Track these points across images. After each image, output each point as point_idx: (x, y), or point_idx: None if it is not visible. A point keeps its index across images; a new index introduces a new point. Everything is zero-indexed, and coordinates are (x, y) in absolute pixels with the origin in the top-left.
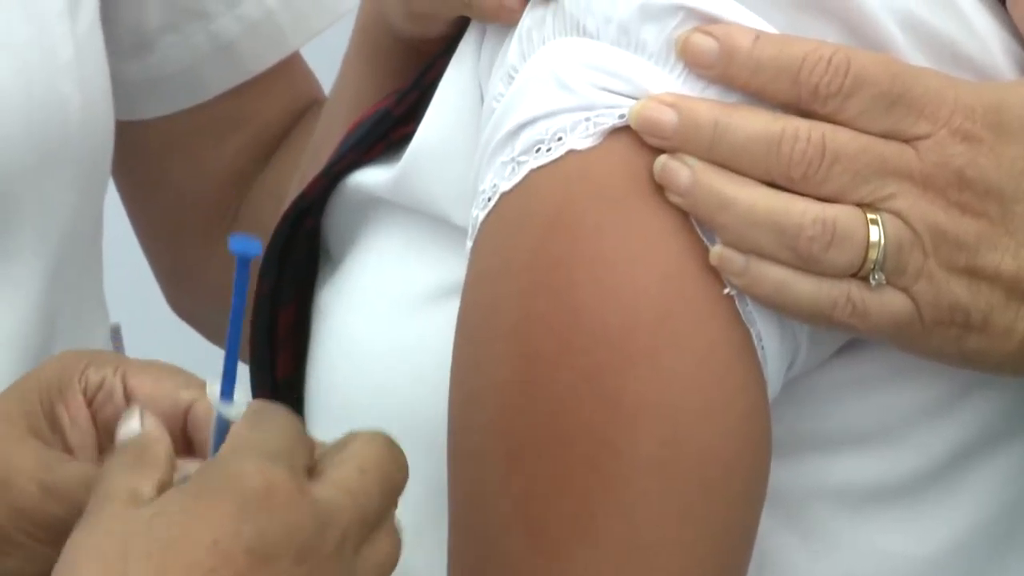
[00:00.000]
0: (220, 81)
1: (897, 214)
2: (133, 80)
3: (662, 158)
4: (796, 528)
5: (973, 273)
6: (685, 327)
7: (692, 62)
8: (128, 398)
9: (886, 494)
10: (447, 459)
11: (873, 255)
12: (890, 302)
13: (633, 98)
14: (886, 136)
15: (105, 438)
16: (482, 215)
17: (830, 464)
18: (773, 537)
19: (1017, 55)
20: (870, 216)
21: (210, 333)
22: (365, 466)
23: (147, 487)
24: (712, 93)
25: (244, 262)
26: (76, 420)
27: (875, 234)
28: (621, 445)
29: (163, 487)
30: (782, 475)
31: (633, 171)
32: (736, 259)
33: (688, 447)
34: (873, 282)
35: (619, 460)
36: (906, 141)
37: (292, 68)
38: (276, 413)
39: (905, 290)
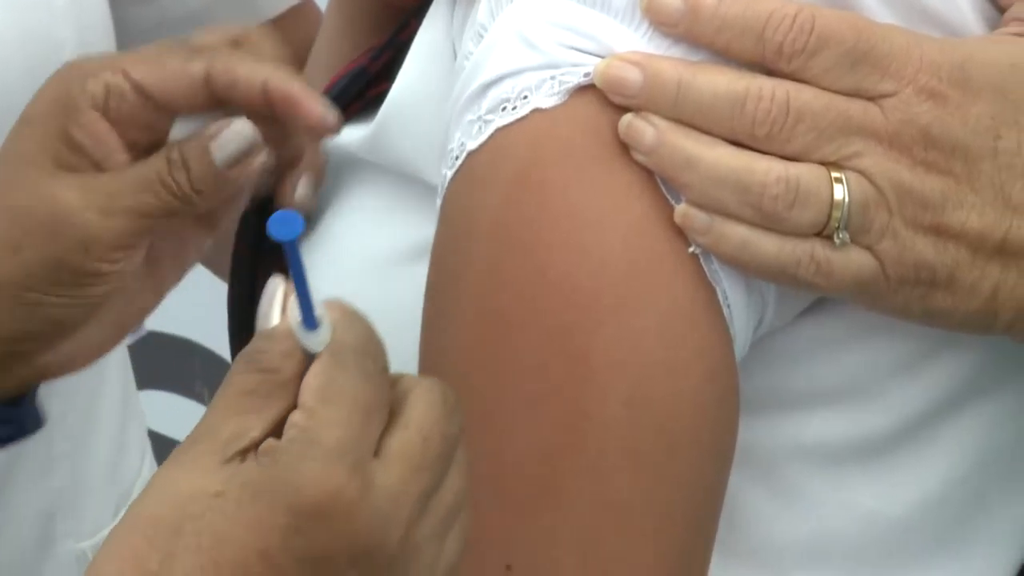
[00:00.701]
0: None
1: (862, 172)
2: (141, 25)
3: (627, 117)
4: (768, 484)
5: (939, 231)
6: (650, 285)
7: (657, 20)
8: (139, 91)
9: (857, 451)
10: None
11: (837, 214)
12: (854, 260)
13: (599, 56)
14: (851, 94)
15: (131, 133)
16: (450, 173)
17: (802, 421)
18: (745, 493)
19: (985, 11)
20: (834, 175)
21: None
22: (427, 432)
23: (243, 440)
24: (678, 52)
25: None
26: (96, 135)
27: (839, 192)
28: (586, 404)
29: (267, 433)
30: (754, 432)
31: (598, 130)
32: (700, 217)
33: (653, 405)
34: (838, 241)
35: (584, 419)
36: (871, 99)
37: (305, 13)
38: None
39: (869, 248)
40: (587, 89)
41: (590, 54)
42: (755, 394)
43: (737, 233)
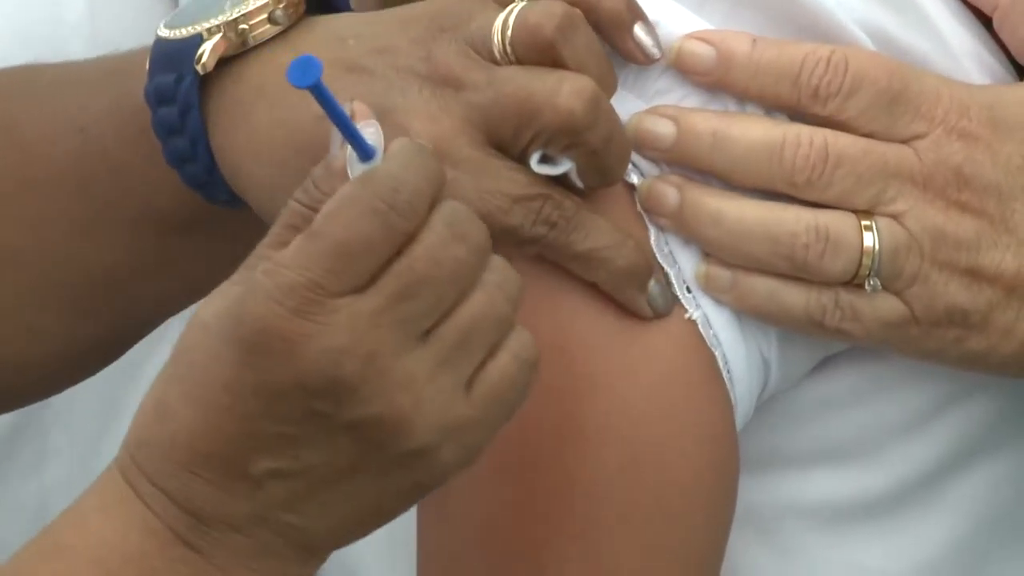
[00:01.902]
0: None
1: (897, 217)
2: None
3: (646, 182)
4: (770, 544)
5: (974, 273)
6: (644, 351)
7: (688, 70)
8: None
9: (861, 511)
10: None
11: (868, 261)
12: (883, 306)
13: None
14: (884, 137)
15: None
16: None
17: (804, 481)
18: (747, 554)
19: (995, 70)
20: (864, 222)
21: None
22: (416, 258)
23: None
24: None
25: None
26: None
27: (868, 240)
28: (580, 472)
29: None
30: (756, 492)
31: (591, 195)
32: (722, 276)
33: (647, 471)
34: (868, 288)
35: (578, 487)
36: (903, 141)
37: None
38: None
39: (898, 294)
40: None
41: None
42: (757, 453)
43: (763, 286)
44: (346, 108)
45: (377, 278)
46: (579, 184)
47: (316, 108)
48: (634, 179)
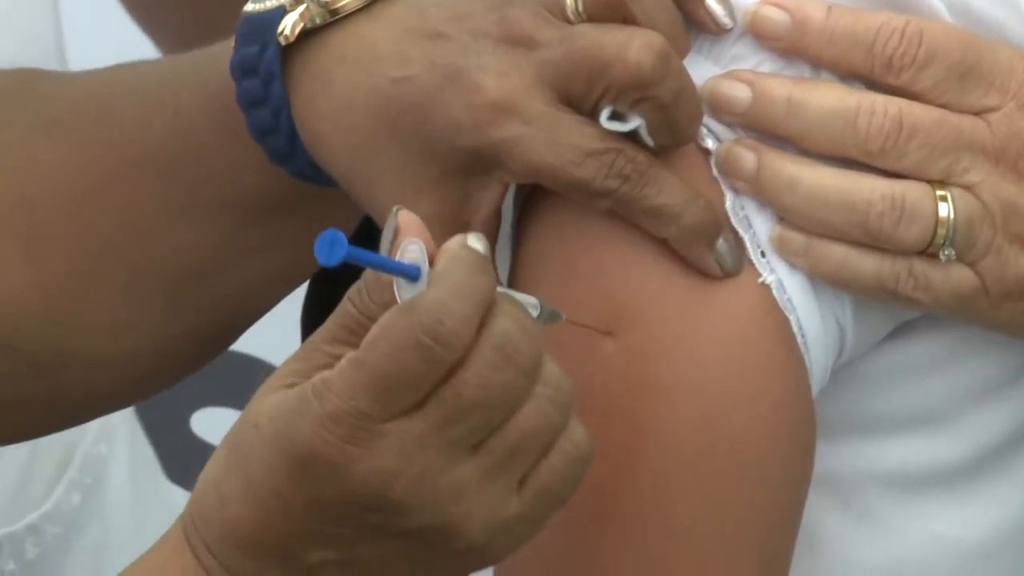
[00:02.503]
0: None
1: (970, 188)
2: None
3: (724, 145)
4: (848, 511)
5: None
6: (718, 313)
7: (762, 34)
8: None
9: (938, 478)
10: None
11: (942, 231)
12: (955, 277)
13: None
14: (957, 108)
15: None
16: None
17: (882, 448)
18: (825, 520)
19: None
20: (939, 192)
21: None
22: (462, 384)
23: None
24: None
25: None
26: None
27: (943, 210)
28: (653, 430)
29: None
30: (835, 459)
31: (666, 159)
32: (796, 239)
33: (721, 433)
34: (943, 257)
35: (651, 445)
36: (976, 114)
37: None
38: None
39: (971, 265)
40: None
41: None
42: (834, 419)
43: (836, 252)
44: (392, 216)
45: (426, 402)
46: (649, 142)
47: (394, 71)
48: (709, 143)
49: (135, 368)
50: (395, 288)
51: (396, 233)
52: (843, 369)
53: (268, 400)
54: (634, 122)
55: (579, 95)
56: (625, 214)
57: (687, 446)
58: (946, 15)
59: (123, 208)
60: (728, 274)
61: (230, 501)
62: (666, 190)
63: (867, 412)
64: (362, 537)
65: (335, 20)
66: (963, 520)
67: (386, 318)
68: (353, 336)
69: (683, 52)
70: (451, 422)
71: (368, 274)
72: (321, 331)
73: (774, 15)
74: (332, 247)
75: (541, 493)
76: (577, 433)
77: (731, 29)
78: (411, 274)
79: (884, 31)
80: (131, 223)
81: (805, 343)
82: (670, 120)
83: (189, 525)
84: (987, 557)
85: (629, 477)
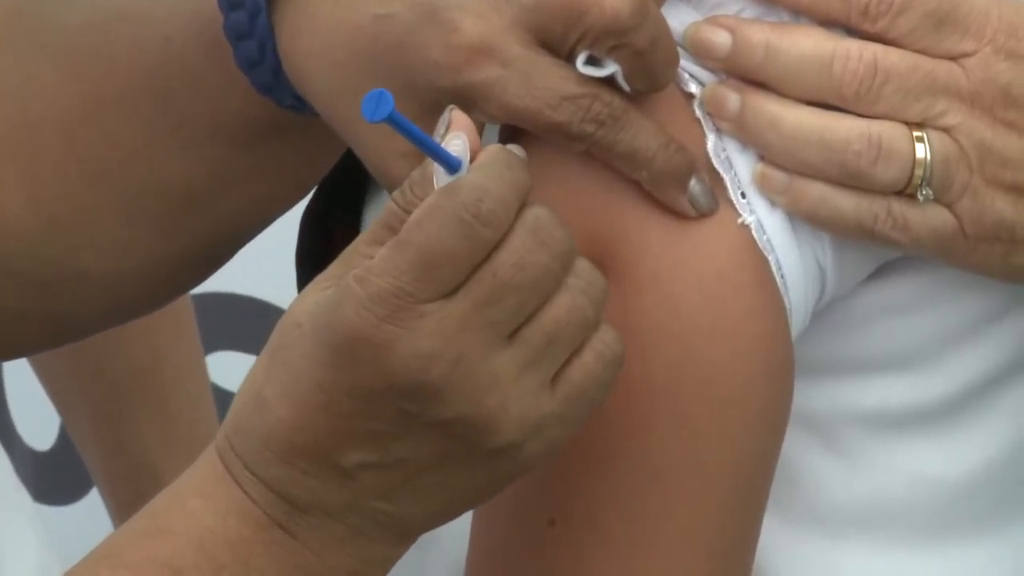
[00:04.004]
0: None
1: (947, 131)
2: None
3: (710, 86)
4: (830, 449)
5: (1019, 189)
6: (695, 252)
7: None
8: None
9: (919, 417)
10: None
11: (919, 171)
12: (932, 217)
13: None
14: (932, 54)
15: None
16: None
17: (864, 387)
18: (807, 457)
19: None
20: (915, 133)
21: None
22: (498, 265)
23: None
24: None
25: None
26: None
27: (920, 151)
28: (629, 368)
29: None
30: (816, 398)
31: (649, 102)
32: (778, 177)
33: (697, 368)
34: (921, 197)
35: (627, 382)
36: (952, 59)
37: None
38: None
39: (949, 206)
40: None
41: None
42: (815, 360)
43: (816, 190)
44: (445, 112)
45: (463, 284)
46: (626, 87)
47: (376, 8)
48: (692, 88)
49: (129, 287)
50: (435, 180)
51: (448, 128)
52: (824, 310)
53: (308, 300)
54: (610, 68)
55: (556, 39)
56: (600, 157)
57: (663, 383)
58: None
59: (117, 132)
60: (703, 214)
61: (270, 405)
62: (640, 134)
63: (848, 352)
64: (400, 431)
65: None
66: (944, 458)
67: (429, 200)
68: (392, 233)
69: (660, 1)
70: (488, 303)
71: (414, 173)
72: (365, 234)
73: None
74: (378, 104)
75: (575, 392)
76: (609, 334)
77: None
78: (452, 163)
79: None
80: (125, 147)
81: (784, 284)
82: (646, 67)
83: (224, 444)
84: (968, 495)
85: (604, 414)
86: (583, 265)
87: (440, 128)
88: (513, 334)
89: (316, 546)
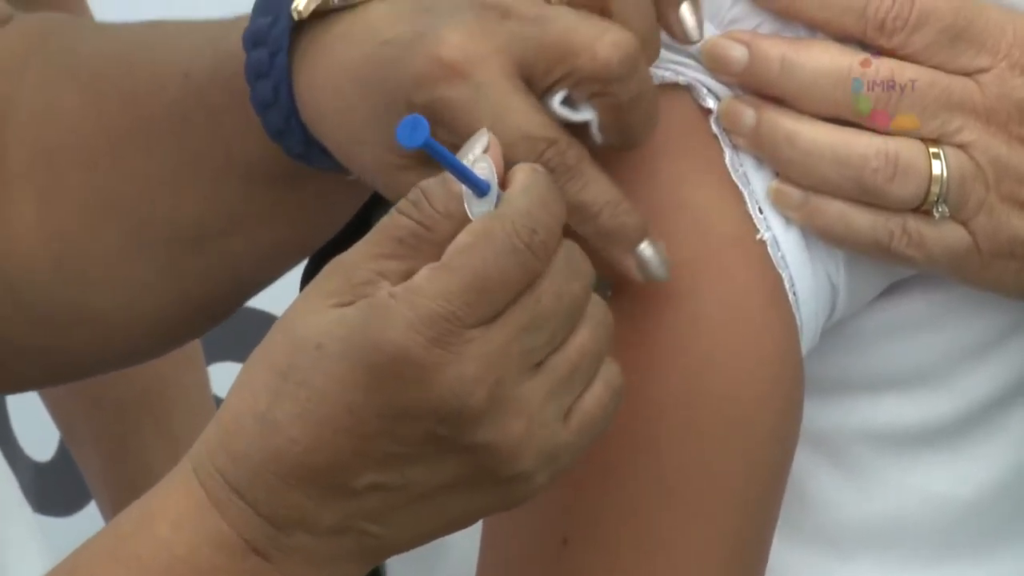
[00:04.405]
0: None
1: (963, 147)
2: None
3: (725, 100)
4: (840, 468)
5: None
6: (712, 270)
7: None
8: None
9: (929, 435)
10: None
11: (936, 188)
12: (948, 234)
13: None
14: (949, 70)
15: None
16: None
17: (874, 406)
18: (818, 476)
19: None
20: (932, 150)
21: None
22: (541, 293)
23: (373, 287)
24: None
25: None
26: None
27: (937, 167)
28: (646, 385)
29: (405, 275)
30: (826, 417)
31: (667, 120)
32: (794, 193)
33: (712, 387)
34: (937, 215)
35: (643, 399)
36: (968, 75)
37: None
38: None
39: (964, 223)
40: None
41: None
42: (826, 378)
43: (832, 207)
44: (480, 136)
45: (506, 310)
46: (598, 138)
47: (384, 34)
48: (710, 103)
49: (132, 329)
50: (466, 202)
51: (485, 150)
52: (834, 328)
53: (322, 320)
54: (586, 114)
55: (539, 74)
56: None
57: (677, 400)
58: None
59: (134, 165)
60: (653, 280)
61: (281, 427)
62: (589, 188)
63: (858, 370)
64: (423, 454)
65: (349, 4)
66: (953, 477)
67: (478, 225)
68: (403, 247)
69: (652, 58)
70: (528, 331)
71: (430, 185)
72: (360, 248)
73: None
74: (414, 130)
75: (588, 422)
76: (614, 365)
77: (695, 43)
78: (481, 187)
79: None
80: (141, 181)
81: (796, 301)
82: (623, 121)
83: (207, 468)
84: (977, 513)
85: (618, 431)
86: (597, 297)
87: (476, 148)
88: (541, 363)
89: (289, 567)
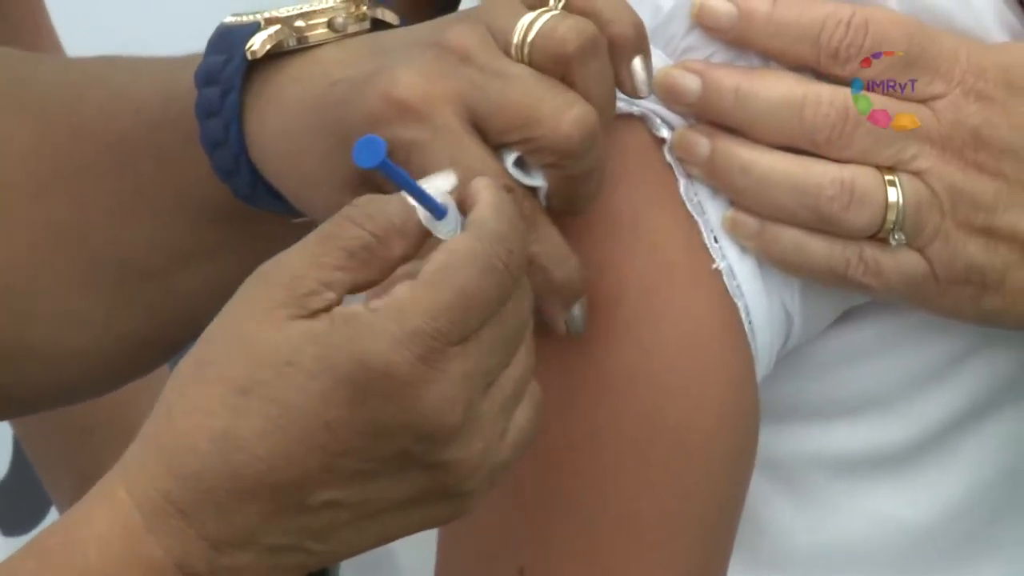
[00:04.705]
0: None
1: (918, 175)
2: None
3: (679, 130)
4: (793, 494)
5: (990, 233)
6: (668, 302)
7: (708, 25)
8: None
9: (881, 461)
10: None
11: (892, 216)
12: (904, 262)
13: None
14: (903, 97)
15: None
16: None
17: (826, 432)
18: (771, 504)
19: (1013, 27)
20: (887, 177)
21: None
22: (505, 317)
23: (322, 300)
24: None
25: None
26: None
27: (893, 195)
28: (600, 416)
29: (351, 288)
30: (779, 443)
31: (622, 148)
32: (749, 222)
33: (667, 418)
34: (894, 242)
35: (597, 430)
36: (922, 102)
37: None
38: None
39: (920, 250)
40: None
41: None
42: (780, 405)
43: (788, 236)
44: (448, 175)
45: (479, 329)
46: (542, 203)
47: (335, 75)
48: (664, 133)
49: (78, 365)
50: (425, 222)
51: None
52: (789, 355)
53: (284, 335)
54: (537, 181)
55: (494, 130)
56: None
57: (633, 432)
58: (893, 2)
59: (83, 197)
60: (571, 335)
61: (245, 444)
62: (542, 241)
63: (811, 397)
64: (387, 471)
65: (303, 47)
66: (907, 502)
67: (458, 244)
68: (352, 260)
69: (608, 128)
70: (492, 351)
71: (387, 199)
72: (303, 255)
73: (720, 7)
74: (370, 151)
75: (520, 438)
76: (535, 383)
77: (645, 97)
78: (439, 210)
79: (829, 23)
80: (90, 213)
81: (752, 329)
82: (571, 192)
83: (147, 490)
84: (931, 538)
85: (574, 462)
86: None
87: (443, 186)
88: (492, 382)
89: None
